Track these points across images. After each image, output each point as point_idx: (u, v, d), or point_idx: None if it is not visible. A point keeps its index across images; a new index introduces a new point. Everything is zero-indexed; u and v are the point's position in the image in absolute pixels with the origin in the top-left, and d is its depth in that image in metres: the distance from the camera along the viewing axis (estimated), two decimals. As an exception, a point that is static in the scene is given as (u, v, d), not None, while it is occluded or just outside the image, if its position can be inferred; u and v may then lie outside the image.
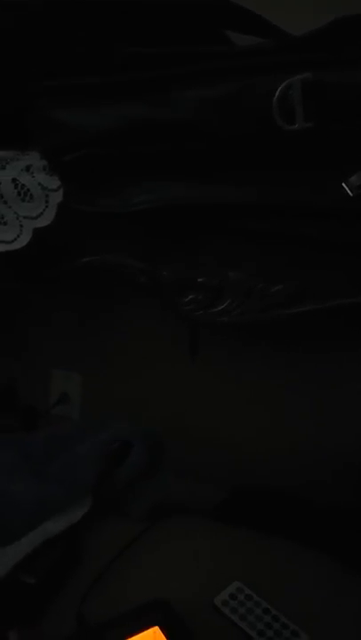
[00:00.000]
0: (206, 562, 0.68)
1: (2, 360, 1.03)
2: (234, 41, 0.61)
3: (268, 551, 0.69)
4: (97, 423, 0.78)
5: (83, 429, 0.77)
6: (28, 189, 0.57)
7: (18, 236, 0.58)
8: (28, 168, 0.56)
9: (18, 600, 0.61)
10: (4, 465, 0.72)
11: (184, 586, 0.64)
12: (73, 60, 0.54)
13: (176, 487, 0.78)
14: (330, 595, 0.64)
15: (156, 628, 0.56)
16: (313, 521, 0.74)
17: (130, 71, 0.52)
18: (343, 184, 0.47)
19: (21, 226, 0.58)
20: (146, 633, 0.55)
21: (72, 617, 0.60)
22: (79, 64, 0.54)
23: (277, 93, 0.45)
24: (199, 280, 0.61)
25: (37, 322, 1.00)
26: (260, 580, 0.65)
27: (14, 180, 0.57)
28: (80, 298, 0.92)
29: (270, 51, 0.47)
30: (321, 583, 0.66)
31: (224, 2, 0.56)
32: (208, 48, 0.50)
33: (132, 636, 0.55)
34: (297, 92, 0.44)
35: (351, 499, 0.76)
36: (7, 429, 0.93)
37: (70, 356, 1.00)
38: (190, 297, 0.61)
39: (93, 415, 0.95)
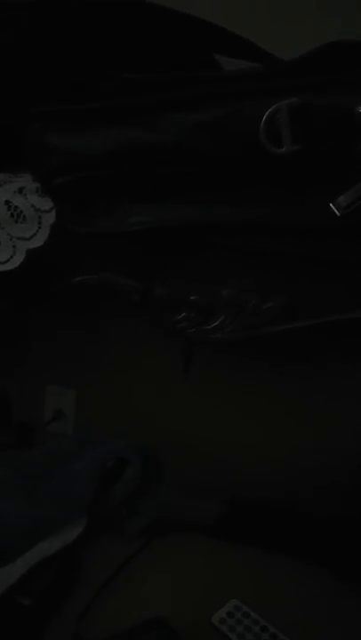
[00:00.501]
0: (203, 579, 0.68)
1: (-4, 377, 1.03)
2: (223, 65, 0.62)
3: (265, 568, 0.69)
4: (92, 440, 0.78)
5: (77, 447, 0.77)
6: (22, 211, 0.57)
7: (11, 257, 0.59)
8: (20, 190, 0.57)
9: (13, 621, 0.61)
10: (-2, 484, 0.72)
11: (181, 604, 0.64)
12: (65, 85, 0.55)
13: (172, 503, 0.78)
14: (329, 611, 0.64)
15: (154, 648, 0.56)
16: (311, 536, 0.74)
17: (121, 96, 0.53)
18: (331, 204, 0.48)
19: (14, 247, 0.59)
20: (143, 653, 0.55)
21: (69, 638, 0.60)
22: (72, 89, 0.55)
23: (265, 118, 0.46)
24: (192, 298, 0.61)
25: (31, 338, 1.00)
26: (257, 598, 0.64)
27: (7, 201, 0.57)
28: (74, 315, 0.92)
29: (258, 76, 0.48)
30: (320, 599, 0.65)
31: (214, 27, 0.57)
32: (198, 73, 0.51)
33: (129, 655, 0.55)
34: (284, 117, 0.45)
35: (349, 511, 0.76)
36: (1, 447, 0.92)
37: (65, 372, 0.99)
38: (183, 315, 0.62)
39: (87, 432, 0.95)
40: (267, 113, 0.46)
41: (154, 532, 0.74)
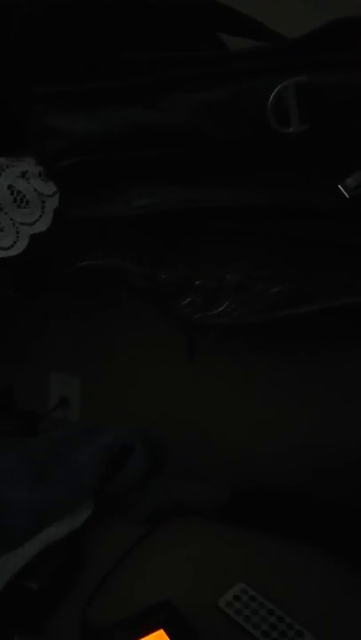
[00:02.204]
0: (210, 563, 0.68)
1: (1, 364, 1.03)
2: (227, 43, 0.61)
3: (271, 552, 0.70)
4: (98, 426, 0.78)
5: (83, 433, 0.78)
6: (24, 195, 0.56)
7: (14, 243, 0.58)
8: (23, 174, 0.56)
9: (21, 606, 0.61)
10: (4, 470, 0.72)
11: (188, 588, 0.64)
12: (68, 66, 0.54)
13: (178, 489, 0.78)
14: (335, 594, 0.65)
15: (161, 631, 0.56)
16: (317, 520, 0.74)
17: (124, 77, 0.51)
18: (339, 186, 0.47)
19: (18, 232, 0.58)
20: (151, 636, 0.56)
21: (76, 622, 0.60)
22: (75, 70, 0.54)
23: (272, 97, 0.45)
24: (197, 283, 0.61)
25: (36, 326, 1.00)
26: (264, 581, 0.65)
27: (10, 186, 0.56)
28: (78, 302, 0.92)
29: (264, 54, 0.47)
30: (325, 583, 0.66)
31: (218, 5, 0.56)
32: (202, 53, 0.50)
33: (137, 638, 0.55)
34: (291, 96, 0.44)
35: (353, 497, 0.76)
36: (7, 434, 0.93)
37: (69, 359, 1.00)
38: (188, 300, 0.61)
39: (93, 419, 0.95)
40: (274, 92, 0.45)
41: (160, 517, 0.74)
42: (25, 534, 0.64)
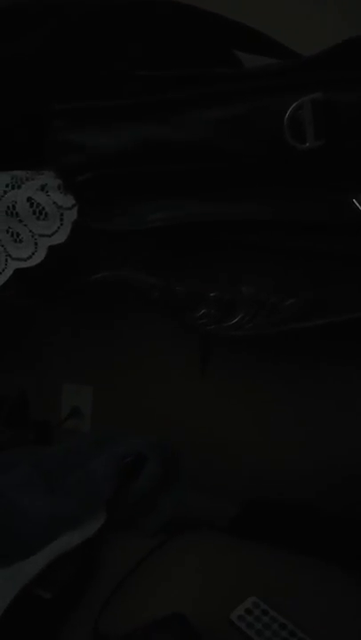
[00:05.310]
0: (221, 576, 0.68)
1: (14, 374, 1.04)
2: (243, 61, 0.62)
3: (283, 565, 0.69)
4: (111, 436, 0.79)
5: (97, 443, 0.78)
6: (43, 208, 0.58)
7: (33, 254, 0.59)
8: (42, 187, 0.58)
9: (34, 615, 0.61)
10: (18, 479, 0.73)
11: (200, 600, 0.64)
12: (87, 83, 0.55)
13: (190, 501, 0.78)
14: (347, 609, 0.64)
15: (173, 644, 0.56)
16: (328, 534, 0.74)
17: (141, 93, 0.53)
18: (354, 200, 0.47)
19: (36, 243, 0.59)
20: (163, 648, 0.56)
21: (88, 632, 0.60)
22: (93, 86, 0.55)
23: (288, 114, 0.46)
24: (212, 295, 0.61)
25: (48, 336, 1.01)
26: (276, 595, 0.64)
27: (29, 198, 0.58)
28: (91, 313, 0.93)
29: (280, 72, 0.48)
30: (338, 597, 0.65)
31: (235, 23, 0.57)
32: (218, 70, 0.51)
33: (149, 651, 0.55)
34: (307, 112, 0.45)
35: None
36: (20, 443, 0.93)
37: (81, 369, 1.00)
38: (203, 311, 0.62)
39: (105, 429, 0.96)
40: (290, 108, 0.46)
41: (172, 529, 0.74)
42: (38, 543, 0.65)
